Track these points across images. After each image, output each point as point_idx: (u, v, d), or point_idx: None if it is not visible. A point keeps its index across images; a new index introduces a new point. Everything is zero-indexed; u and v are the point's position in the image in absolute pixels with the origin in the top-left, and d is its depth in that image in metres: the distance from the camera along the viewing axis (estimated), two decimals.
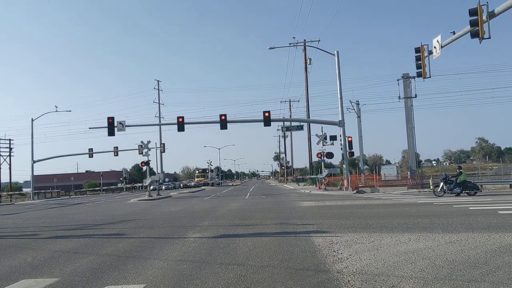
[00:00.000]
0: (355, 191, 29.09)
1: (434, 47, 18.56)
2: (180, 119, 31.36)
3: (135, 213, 19.32)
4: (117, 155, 54.80)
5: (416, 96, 32.36)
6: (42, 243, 10.09)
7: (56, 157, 55.86)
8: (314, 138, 37.76)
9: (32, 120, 51.95)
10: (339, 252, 7.18)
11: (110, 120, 31.57)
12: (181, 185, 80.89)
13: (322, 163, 36.05)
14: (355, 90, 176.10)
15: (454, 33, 17.52)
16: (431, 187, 30.26)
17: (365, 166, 54.94)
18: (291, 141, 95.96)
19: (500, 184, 30.73)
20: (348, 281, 5.32)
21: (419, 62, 19.65)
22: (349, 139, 34.96)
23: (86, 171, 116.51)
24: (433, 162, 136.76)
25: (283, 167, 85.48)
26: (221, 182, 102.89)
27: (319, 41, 42.10)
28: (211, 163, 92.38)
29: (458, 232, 8.88)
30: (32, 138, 51.76)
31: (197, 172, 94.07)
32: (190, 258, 7.33)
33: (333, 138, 35.04)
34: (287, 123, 43.00)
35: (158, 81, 57.77)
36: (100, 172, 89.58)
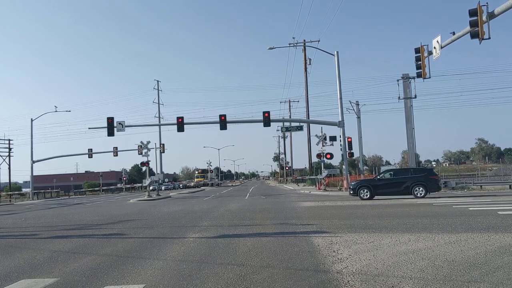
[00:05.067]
0: None
1: (434, 47, 18.58)
2: (180, 120, 31.36)
3: (135, 213, 19.31)
4: (117, 155, 54.80)
5: (415, 96, 32.29)
6: (42, 243, 10.08)
7: (55, 157, 55.89)
8: (313, 138, 37.79)
9: (32, 120, 51.93)
10: (338, 253, 7.18)
11: (110, 121, 31.57)
12: (181, 185, 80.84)
13: (322, 163, 36.04)
14: (355, 91, 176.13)
15: (454, 33, 17.55)
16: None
17: (365, 167, 54.93)
18: (291, 142, 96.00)
19: (500, 184, 30.78)
20: (348, 281, 5.31)
21: (419, 62, 19.67)
22: (349, 139, 34.95)
23: (86, 171, 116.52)
24: (433, 162, 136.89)
25: (282, 168, 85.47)
26: (221, 183, 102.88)
27: (318, 41, 42.13)
28: (211, 164, 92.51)
29: (457, 232, 8.88)
30: (31, 138, 51.77)
31: (196, 172, 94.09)
32: (190, 258, 7.32)
33: (333, 138, 35.05)
34: (286, 124, 43.00)
35: (157, 81, 57.63)
36: (99, 172, 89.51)
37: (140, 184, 68.43)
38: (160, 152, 52.92)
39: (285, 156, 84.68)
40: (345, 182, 31.57)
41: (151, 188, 42.18)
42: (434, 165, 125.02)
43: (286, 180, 74.17)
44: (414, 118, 33.81)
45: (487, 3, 14.46)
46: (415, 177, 21.13)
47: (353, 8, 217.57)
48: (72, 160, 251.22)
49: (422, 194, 20.58)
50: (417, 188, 20.66)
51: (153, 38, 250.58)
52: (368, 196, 21.41)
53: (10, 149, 53.11)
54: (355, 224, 11.05)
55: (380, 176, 22.78)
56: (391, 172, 23.00)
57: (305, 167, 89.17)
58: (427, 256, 6.55)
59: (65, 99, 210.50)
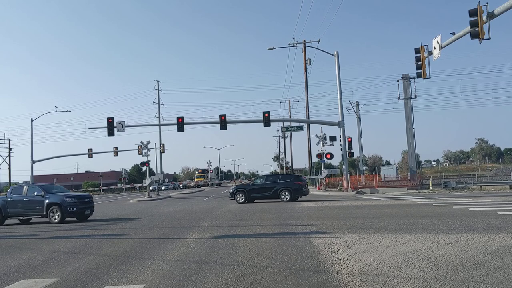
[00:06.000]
0: (354, 192, 29.11)
1: (434, 47, 18.55)
2: (180, 120, 31.34)
3: (135, 213, 19.31)
4: (117, 155, 54.65)
5: (416, 96, 32.41)
6: (42, 243, 10.08)
7: (55, 157, 55.75)
8: (313, 138, 37.73)
9: (32, 120, 51.87)
10: (338, 253, 7.18)
11: (110, 121, 31.54)
12: (181, 185, 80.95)
13: (322, 163, 36.05)
14: (355, 91, 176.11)
15: (454, 33, 17.52)
16: (431, 187, 30.34)
17: (365, 167, 54.95)
18: (291, 142, 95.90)
19: (500, 185, 30.79)
20: (348, 281, 5.31)
21: (419, 62, 19.64)
22: (349, 139, 34.99)
23: (86, 171, 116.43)
24: (433, 162, 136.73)
25: (282, 168, 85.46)
26: (221, 183, 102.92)
27: (319, 41, 41.96)
28: (211, 164, 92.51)
29: (457, 233, 8.88)
30: (31, 138, 51.67)
31: (196, 172, 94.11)
32: (190, 258, 7.33)
33: (333, 138, 35.06)
34: (286, 124, 42.94)
35: (157, 81, 57.54)
36: (99, 172, 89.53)
37: (140, 184, 68.45)
38: (160, 152, 52.87)
39: (285, 156, 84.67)
40: (345, 182, 31.58)
41: (151, 188, 42.21)
42: (434, 165, 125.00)
43: None
44: (414, 118, 33.89)
45: (487, 3, 14.43)
46: (282, 183, 22.88)
47: (353, 8, 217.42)
48: (72, 160, 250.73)
49: (288, 199, 22.15)
50: (283, 193, 22.34)
51: (153, 38, 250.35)
52: (243, 199, 22.75)
53: (10, 149, 53.20)
54: (355, 225, 11.05)
55: (254, 181, 24.42)
56: (264, 178, 24.70)
57: (305, 167, 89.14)
58: (427, 257, 6.55)
59: (65, 99, 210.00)
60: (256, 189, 23.09)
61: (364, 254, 7.01)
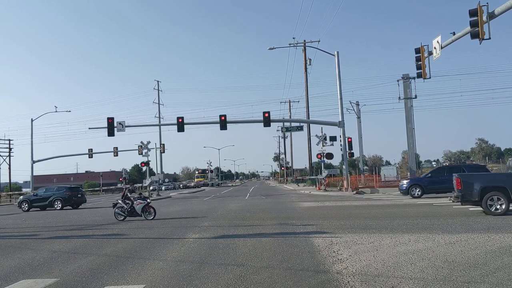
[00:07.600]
0: (354, 192, 29.08)
1: (434, 47, 18.56)
2: (180, 120, 31.34)
3: None
4: (117, 155, 54.70)
5: (416, 96, 32.25)
6: (42, 244, 10.08)
7: (55, 157, 55.74)
8: (314, 138, 37.79)
9: (32, 120, 51.84)
10: (338, 253, 7.18)
11: (110, 121, 31.53)
12: (181, 185, 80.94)
13: (322, 163, 36.06)
14: (355, 91, 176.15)
15: (454, 33, 17.53)
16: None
17: (365, 167, 54.92)
18: (291, 142, 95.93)
19: None
20: (348, 282, 5.31)
21: (419, 62, 19.64)
22: (349, 139, 34.95)
23: (86, 171, 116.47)
24: (433, 163, 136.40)
25: (282, 168, 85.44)
26: (221, 183, 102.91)
27: (319, 41, 42.08)
28: (211, 164, 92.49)
29: (457, 233, 8.88)
30: (31, 138, 51.64)
31: (197, 172, 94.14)
32: (190, 258, 7.33)
33: (333, 138, 35.06)
34: (287, 124, 42.95)
35: (158, 81, 57.55)
36: (99, 172, 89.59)
37: (140, 184, 68.36)
38: (160, 152, 52.86)
39: (285, 156, 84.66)
40: (345, 182, 31.56)
41: (151, 188, 42.20)
42: (434, 165, 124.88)
43: (286, 180, 74.13)
44: (414, 118, 33.82)
45: (487, 3, 14.44)
46: (58, 193, 26.47)
47: (354, 8, 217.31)
48: (72, 160, 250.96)
49: (60, 207, 25.69)
50: (56, 202, 25.96)
51: (153, 38, 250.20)
52: (27, 208, 26.18)
53: (10, 149, 53.19)
54: (355, 225, 11.05)
55: (36, 193, 27.88)
56: (44, 190, 27.71)
57: (305, 167, 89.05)
58: (427, 257, 6.55)
59: (65, 99, 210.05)
60: (37, 199, 26.63)
61: (364, 254, 7.01)
